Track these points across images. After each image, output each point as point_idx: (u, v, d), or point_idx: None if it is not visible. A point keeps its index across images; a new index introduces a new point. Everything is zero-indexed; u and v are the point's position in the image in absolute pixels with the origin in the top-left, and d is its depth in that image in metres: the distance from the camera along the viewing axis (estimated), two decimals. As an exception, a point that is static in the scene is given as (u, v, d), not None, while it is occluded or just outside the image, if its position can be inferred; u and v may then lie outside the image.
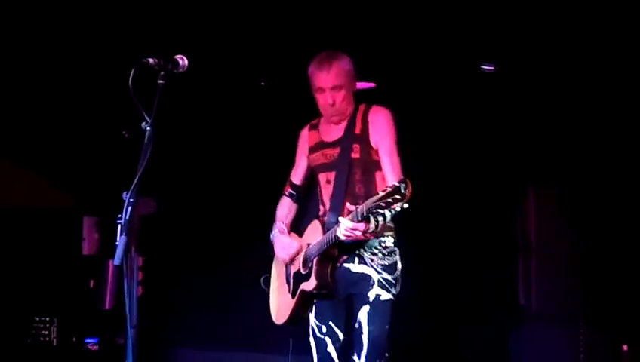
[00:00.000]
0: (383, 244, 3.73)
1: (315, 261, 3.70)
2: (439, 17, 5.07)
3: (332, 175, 3.82)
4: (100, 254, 6.24)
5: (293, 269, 3.91)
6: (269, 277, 4.17)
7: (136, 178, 2.72)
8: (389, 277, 3.72)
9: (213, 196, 6.22)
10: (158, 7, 5.11)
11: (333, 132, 3.89)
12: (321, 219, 3.84)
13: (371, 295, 3.70)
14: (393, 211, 3.23)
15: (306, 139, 4.02)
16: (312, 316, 3.90)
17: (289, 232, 4.03)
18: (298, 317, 3.91)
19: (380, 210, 3.26)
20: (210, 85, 5.77)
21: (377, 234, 3.61)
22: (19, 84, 5.72)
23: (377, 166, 3.76)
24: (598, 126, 5.24)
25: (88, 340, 6.21)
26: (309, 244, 3.82)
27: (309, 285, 3.73)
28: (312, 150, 3.95)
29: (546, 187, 5.54)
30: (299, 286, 3.83)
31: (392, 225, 3.71)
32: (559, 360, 5.35)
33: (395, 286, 3.75)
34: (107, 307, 6.15)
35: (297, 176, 4.09)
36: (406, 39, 5.31)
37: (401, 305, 3.78)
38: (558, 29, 4.99)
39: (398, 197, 3.18)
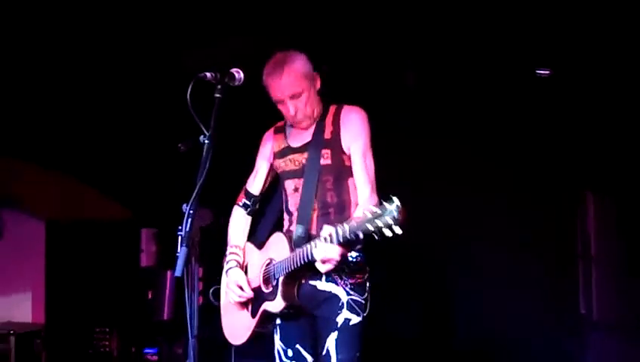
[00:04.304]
0: (352, 260, 3.35)
1: (280, 281, 3.32)
2: (497, 22, 5.03)
3: (300, 182, 3.44)
4: (158, 265, 6.30)
5: (251, 284, 3.52)
6: (219, 289, 3.75)
7: (196, 190, 2.79)
8: (358, 298, 3.35)
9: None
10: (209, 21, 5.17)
11: (301, 136, 3.50)
12: (286, 231, 3.45)
13: (340, 319, 3.33)
14: (382, 236, 2.82)
15: (270, 143, 3.63)
16: (276, 338, 3.51)
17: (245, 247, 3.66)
18: (257, 335, 3.54)
19: (365, 233, 2.87)
20: (266, 96, 5.80)
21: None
22: (78, 101, 5.82)
23: (350, 172, 3.39)
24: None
25: (147, 350, 6.28)
26: (271, 260, 3.43)
27: (276, 306, 3.35)
28: (278, 156, 3.57)
29: (605, 193, 5.47)
30: (260, 305, 3.44)
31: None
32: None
33: (365, 308, 3.37)
34: (165, 318, 6.21)
35: (256, 184, 3.69)
36: (464, 45, 5.27)
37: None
38: (616, 35, 4.92)
39: (389, 221, 2.79)
